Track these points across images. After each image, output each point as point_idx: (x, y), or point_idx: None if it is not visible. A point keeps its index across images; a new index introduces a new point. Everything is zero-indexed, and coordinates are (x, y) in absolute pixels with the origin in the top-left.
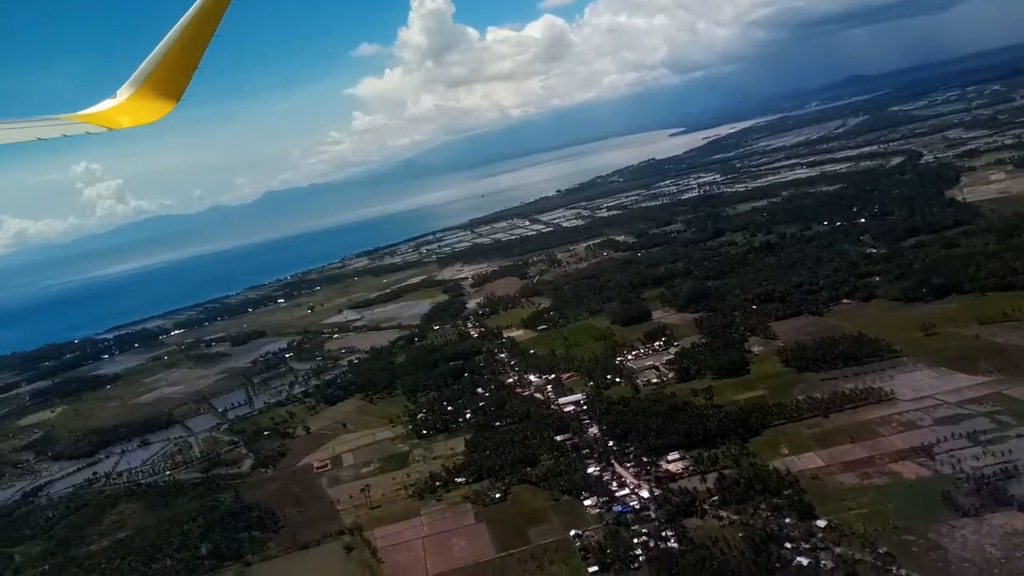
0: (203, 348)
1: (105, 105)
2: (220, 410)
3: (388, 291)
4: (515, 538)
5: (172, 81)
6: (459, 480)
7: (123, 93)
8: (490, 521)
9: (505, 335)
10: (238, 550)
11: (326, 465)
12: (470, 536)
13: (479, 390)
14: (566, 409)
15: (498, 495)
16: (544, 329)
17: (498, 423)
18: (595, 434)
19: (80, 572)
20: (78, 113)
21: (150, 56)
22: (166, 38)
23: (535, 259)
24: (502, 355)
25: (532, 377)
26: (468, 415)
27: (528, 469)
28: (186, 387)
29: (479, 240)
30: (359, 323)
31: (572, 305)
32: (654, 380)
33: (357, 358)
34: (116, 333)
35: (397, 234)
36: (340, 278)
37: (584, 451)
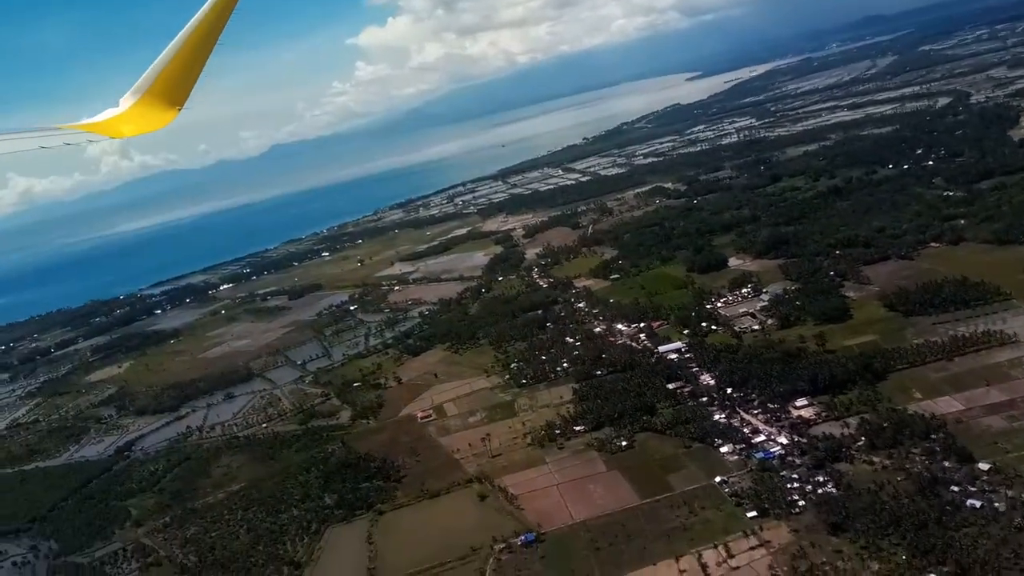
0: (259, 302)
1: (108, 114)
2: (298, 363)
3: (436, 243)
4: (655, 485)
5: (174, 90)
6: (577, 428)
7: (126, 102)
8: (623, 468)
9: (577, 285)
10: (365, 499)
11: (430, 415)
12: (606, 483)
13: (568, 339)
14: (669, 357)
15: (623, 443)
16: (617, 278)
17: (599, 372)
18: (709, 382)
19: (204, 523)
20: (81, 123)
21: (152, 65)
22: (168, 47)
23: (583, 208)
24: (580, 304)
25: (620, 326)
26: (565, 364)
27: (647, 417)
28: (253, 340)
29: (515, 190)
30: (415, 275)
31: (639, 254)
32: (754, 327)
33: (427, 310)
34: (161, 289)
35: (424, 186)
36: (380, 231)
37: (702, 399)
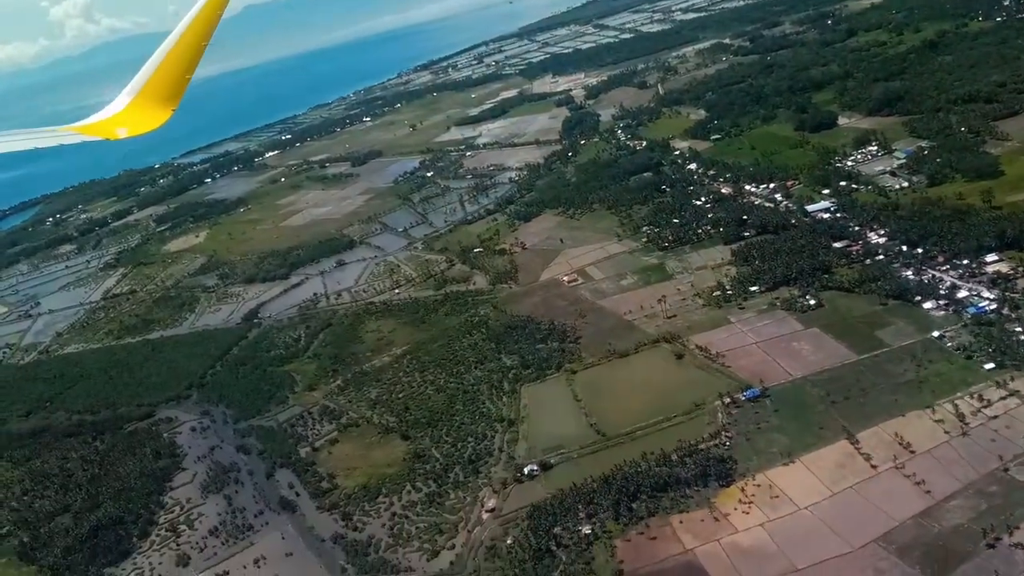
0: (318, 169)
1: (103, 115)
2: (399, 230)
3: (488, 106)
4: (867, 341)
5: (168, 90)
6: (753, 289)
7: (120, 102)
8: (822, 326)
9: (675, 146)
10: (548, 360)
11: (576, 279)
12: (811, 340)
13: (696, 202)
14: (822, 216)
15: (811, 301)
16: (719, 138)
17: (746, 234)
18: (878, 240)
19: (384, 385)
20: (76, 124)
21: (145, 65)
22: (160, 48)
23: (641, 67)
24: (691, 166)
25: (749, 187)
26: (707, 227)
27: (826, 276)
28: (335, 208)
29: (550, 49)
30: (480, 140)
31: (734, 113)
32: (902, 184)
33: (515, 175)
34: (200, 157)
35: (439, 46)
36: (416, 95)
37: (877, 257)
